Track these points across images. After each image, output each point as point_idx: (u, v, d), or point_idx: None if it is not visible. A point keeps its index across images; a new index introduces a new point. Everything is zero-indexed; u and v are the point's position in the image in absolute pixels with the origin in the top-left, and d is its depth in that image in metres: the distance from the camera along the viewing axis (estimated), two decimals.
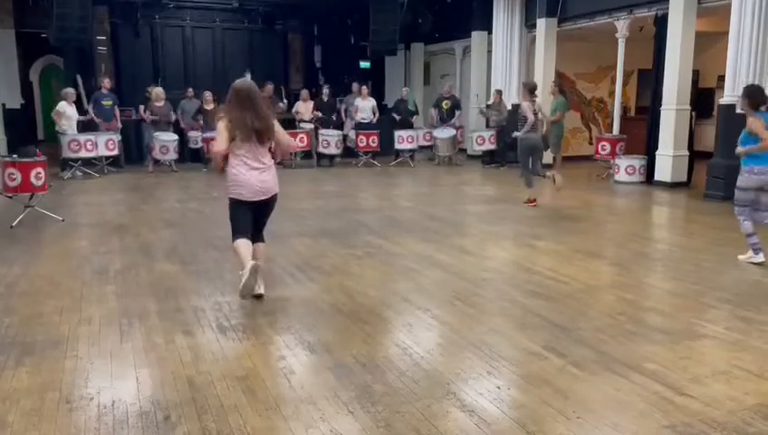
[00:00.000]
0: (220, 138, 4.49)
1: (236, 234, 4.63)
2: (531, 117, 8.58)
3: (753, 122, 5.66)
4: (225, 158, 4.57)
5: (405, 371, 3.49)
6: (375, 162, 13.84)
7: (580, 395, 3.21)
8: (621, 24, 11.56)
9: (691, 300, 4.80)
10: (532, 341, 3.92)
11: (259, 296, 4.70)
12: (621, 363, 3.57)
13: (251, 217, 4.67)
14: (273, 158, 4.78)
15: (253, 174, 4.53)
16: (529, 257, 6.09)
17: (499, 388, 3.29)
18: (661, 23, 10.57)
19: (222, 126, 4.49)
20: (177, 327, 4.16)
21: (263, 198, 4.61)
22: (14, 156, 7.59)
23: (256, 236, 4.76)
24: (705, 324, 4.23)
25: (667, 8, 10.28)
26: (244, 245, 4.59)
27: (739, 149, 5.80)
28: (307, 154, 13.69)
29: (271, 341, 3.98)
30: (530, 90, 8.88)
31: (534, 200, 8.79)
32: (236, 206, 4.63)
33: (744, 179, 5.80)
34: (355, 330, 4.14)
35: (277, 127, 4.69)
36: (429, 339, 4.02)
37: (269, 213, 4.80)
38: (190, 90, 13.56)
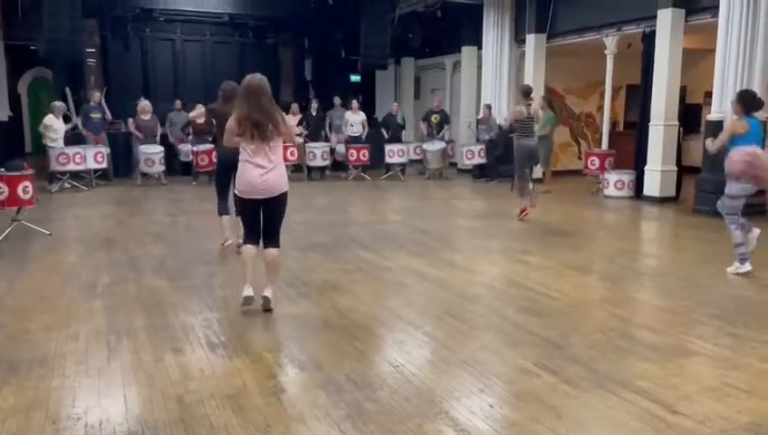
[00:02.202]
0: (227, 133, 4.69)
1: (245, 236, 4.86)
2: (525, 113, 8.51)
3: (733, 123, 5.86)
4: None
5: (397, 388, 3.46)
6: (365, 176, 13.85)
7: (572, 413, 3.20)
8: (610, 41, 11.69)
9: (681, 316, 4.81)
10: (523, 358, 3.91)
11: (266, 300, 4.73)
12: (613, 381, 3.57)
13: (258, 217, 4.73)
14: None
15: (256, 171, 4.57)
16: (519, 272, 6.10)
17: (491, 406, 3.27)
18: (649, 39, 10.70)
19: (231, 119, 4.63)
20: (166, 344, 4.11)
21: (264, 196, 4.62)
22: (1, 169, 7.51)
23: (268, 240, 4.78)
24: (694, 341, 4.24)
25: (655, 25, 10.41)
26: (247, 256, 4.76)
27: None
28: (297, 167, 13.67)
29: (261, 358, 3.93)
30: (524, 93, 8.82)
31: (525, 210, 8.76)
32: (242, 202, 4.74)
33: (735, 188, 5.83)
34: (346, 347, 4.11)
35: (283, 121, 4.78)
36: (421, 356, 4.00)
37: (279, 213, 4.77)
38: (178, 102, 13.44)
